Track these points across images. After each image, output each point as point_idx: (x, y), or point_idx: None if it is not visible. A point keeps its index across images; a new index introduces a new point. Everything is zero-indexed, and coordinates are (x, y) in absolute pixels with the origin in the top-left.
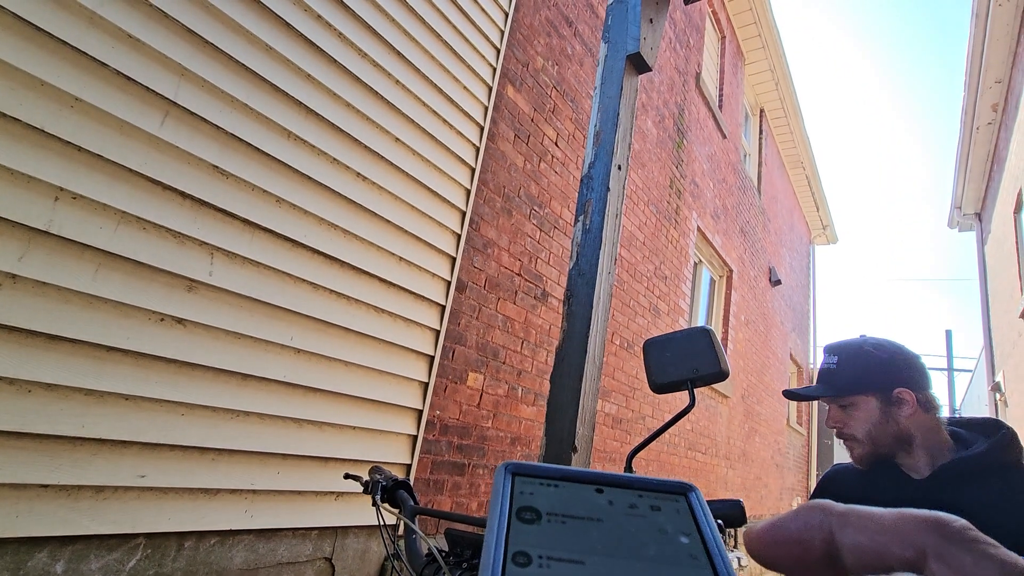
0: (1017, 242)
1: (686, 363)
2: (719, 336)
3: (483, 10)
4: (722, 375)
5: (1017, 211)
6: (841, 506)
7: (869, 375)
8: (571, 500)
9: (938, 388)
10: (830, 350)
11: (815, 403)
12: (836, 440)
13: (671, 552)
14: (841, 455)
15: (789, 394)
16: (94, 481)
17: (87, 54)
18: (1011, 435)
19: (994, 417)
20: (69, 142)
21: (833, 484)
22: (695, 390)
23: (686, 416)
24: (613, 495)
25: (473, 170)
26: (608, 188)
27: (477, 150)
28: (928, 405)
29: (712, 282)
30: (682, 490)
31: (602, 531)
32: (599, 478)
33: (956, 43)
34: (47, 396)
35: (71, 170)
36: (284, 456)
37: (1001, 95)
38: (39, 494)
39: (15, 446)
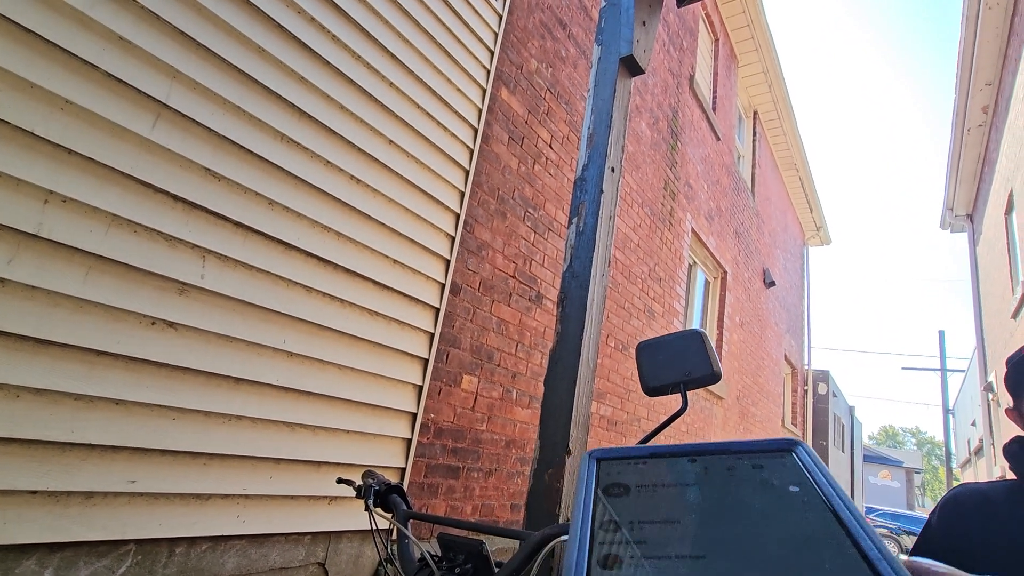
0: (1008, 243)
1: (678, 366)
2: (714, 338)
3: (477, 12)
4: (714, 378)
5: (1008, 212)
6: None
7: None
8: (662, 472)
9: (931, 389)
10: None
11: (810, 405)
12: (830, 442)
13: (779, 502)
14: (836, 456)
15: None
16: (84, 487)
17: (77, 56)
18: None
19: None
20: (59, 144)
21: (978, 513)
22: (688, 392)
23: (680, 418)
24: (708, 462)
25: (467, 172)
26: (601, 190)
27: (471, 152)
28: None
29: (707, 283)
30: (788, 447)
31: (697, 493)
32: (691, 449)
33: (947, 45)
34: (36, 401)
35: (61, 172)
36: (277, 460)
37: (991, 97)
38: (27, 500)
39: (3, 452)
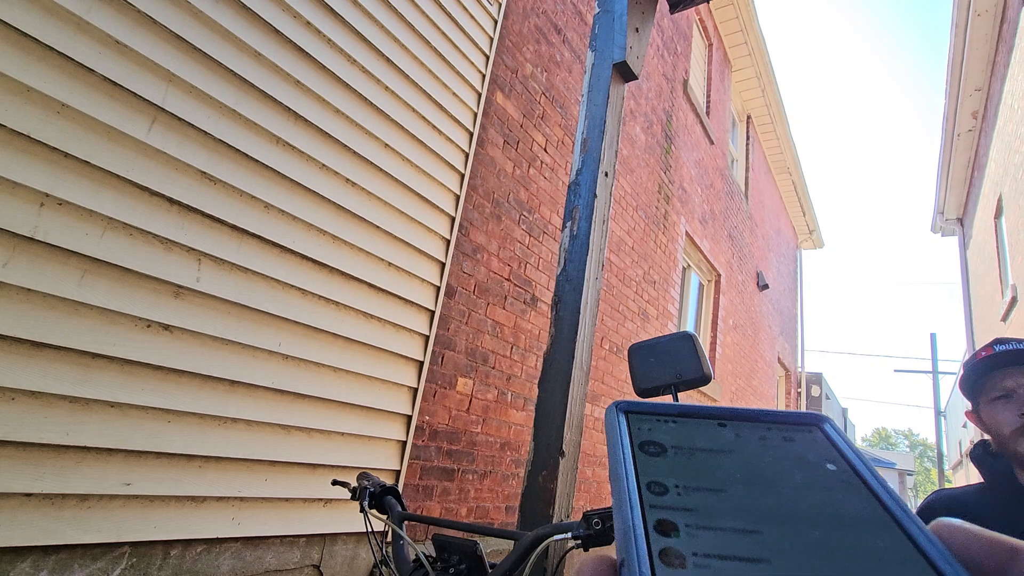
0: (998, 247)
1: (670, 368)
2: (708, 341)
3: (472, 17)
4: (704, 379)
5: (997, 216)
6: None
7: None
8: (694, 434)
9: (924, 391)
10: None
11: (803, 407)
12: None
13: (819, 479)
14: None
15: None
16: (78, 489)
17: (74, 60)
18: None
19: None
20: (55, 148)
21: (951, 518)
22: (679, 394)
23: None
24: (738, 428)
25: (463, 176)
26: (595, 195)
27: (466, 156)
28: None
29: (700, 287)
30: (815, 421)
31: (736, 462)
32: (720, 412)
33: (938, 51)
34: (31, 404)
35: (57, 176)
36: (272, 463)
37: (981, 103)
38: (22, 503)
39: None
